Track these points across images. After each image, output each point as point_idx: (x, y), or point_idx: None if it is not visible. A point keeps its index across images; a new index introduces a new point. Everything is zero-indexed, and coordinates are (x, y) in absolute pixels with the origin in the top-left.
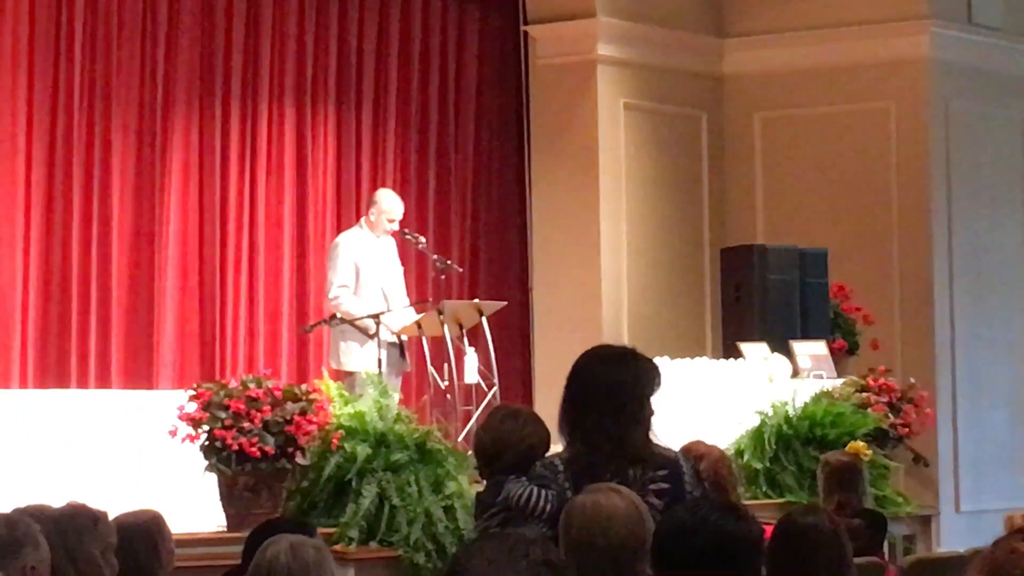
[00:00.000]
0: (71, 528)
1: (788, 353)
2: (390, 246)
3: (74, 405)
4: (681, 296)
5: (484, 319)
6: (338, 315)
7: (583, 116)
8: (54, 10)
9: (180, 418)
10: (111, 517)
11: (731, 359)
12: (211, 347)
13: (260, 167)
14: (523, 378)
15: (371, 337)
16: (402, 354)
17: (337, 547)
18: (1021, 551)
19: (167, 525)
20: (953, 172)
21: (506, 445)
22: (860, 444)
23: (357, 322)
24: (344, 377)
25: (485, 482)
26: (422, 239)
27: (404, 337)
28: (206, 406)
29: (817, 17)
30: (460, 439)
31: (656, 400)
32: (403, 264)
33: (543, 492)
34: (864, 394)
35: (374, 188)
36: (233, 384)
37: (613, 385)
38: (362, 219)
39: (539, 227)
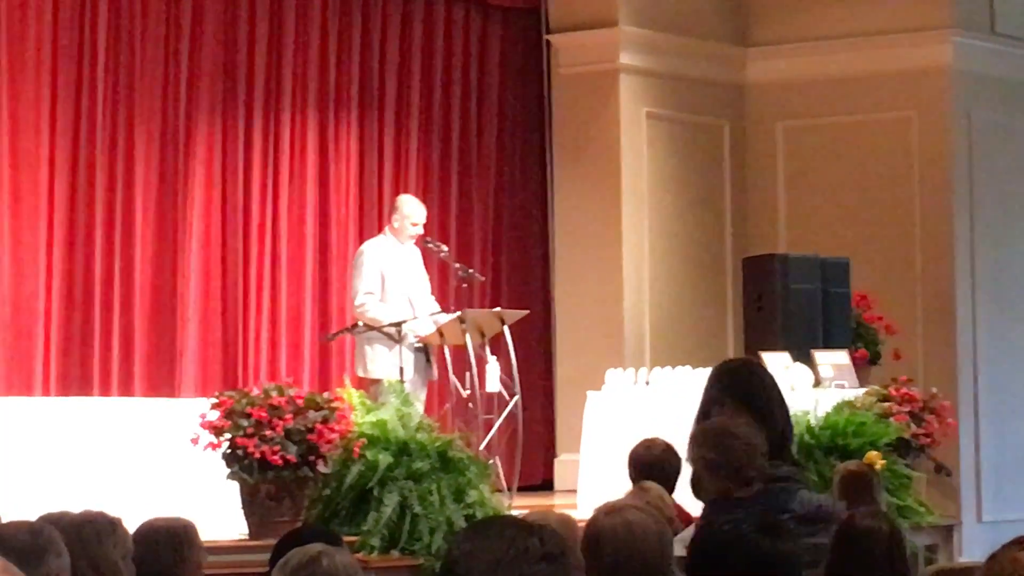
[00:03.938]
0: (92, 534)
1: (810, 362)
2: (415, 254)
3: (96, 413)
4: (703, 305)
5: (506, 328)
6: (361, 323)
7: (605, 125)
8: (77, 18)
9: (202, 426)
10: (137, 523)
11: None
12: (233, 355)
13: (283, 175)
14: (545, 387)
15: (398, 342)
16: (428, 361)
17: (359, 555)
18: (1022, 560)
19: (198, 536)
20: (975, 181)
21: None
22: (874, 454)
23: (382, 329)
24: (370, 385)
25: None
26: (444, 248)
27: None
28: (228, 414)
29: (839, 26)
30: (482, 448)
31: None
32: (426, 272)
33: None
34: (886, 404)
35: (396, 196)
36: (255, 392)
37: None
38: (386, 227)
39: (561, 236)
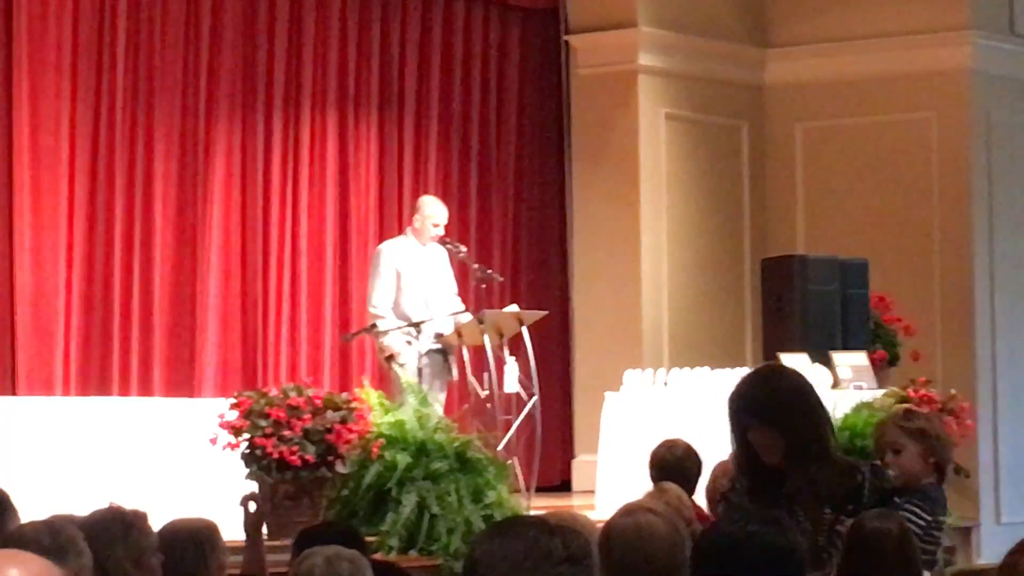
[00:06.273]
0: (102, 535)
1: (828, 364)
2: (439, 255)
3: (116, 413)
4: (721, 306)
5: (524, 328)
6: (379, 324)
7: (624, 126)
8: (97, 17)
9: (221, 426)
10: (157, 524)
11: None
12: (253, 355)
13: (302, 175)
14: (563, 387)
15: (397, 363)
16: (446, 363)
17: (377, 556)
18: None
19: (221, 537)
20: (994, 182)
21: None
22: None
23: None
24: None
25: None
26: (463, 248)
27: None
28: (247, 414)
29: (859, 27)
30: (500, 448)
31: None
32: (452, 273)
33: None
34: (905, 405)
35: (416, 196)
36: (274, 392)
37: None
38: (408, 228)
39: (579, 237)
